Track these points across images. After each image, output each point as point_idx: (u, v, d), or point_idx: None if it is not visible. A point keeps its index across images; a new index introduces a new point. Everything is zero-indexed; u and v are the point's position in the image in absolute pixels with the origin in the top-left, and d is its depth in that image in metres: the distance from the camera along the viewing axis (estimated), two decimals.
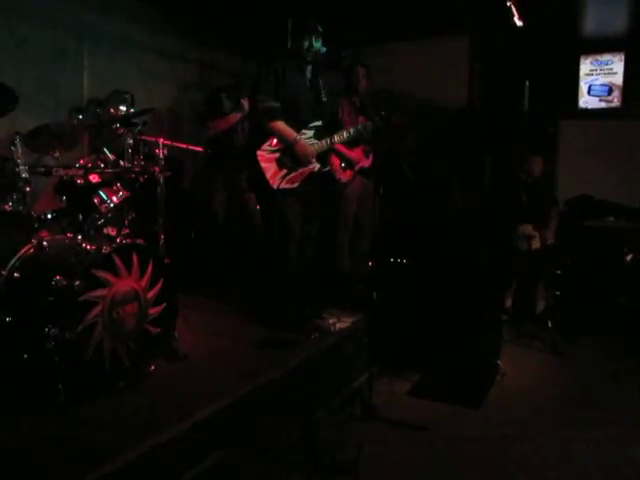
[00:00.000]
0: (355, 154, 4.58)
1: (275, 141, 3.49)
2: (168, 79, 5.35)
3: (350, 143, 4.47)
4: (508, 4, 4.65)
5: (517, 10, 4.71)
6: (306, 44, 3.51)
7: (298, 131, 3.53)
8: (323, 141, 3.61)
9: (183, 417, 2.32)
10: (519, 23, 4.85)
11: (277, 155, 3.49)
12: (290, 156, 3.50)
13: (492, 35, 5.80)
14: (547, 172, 5.59)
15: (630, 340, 4.66)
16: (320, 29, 3.56)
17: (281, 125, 3.47)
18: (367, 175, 4.57)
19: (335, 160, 4.45)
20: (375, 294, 3.40)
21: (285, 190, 3.49)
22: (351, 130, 3.70)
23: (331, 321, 3.66)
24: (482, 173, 6.08)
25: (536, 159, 5.32)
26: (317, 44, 3.53)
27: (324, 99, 3.67)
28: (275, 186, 3.44)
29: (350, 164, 4.52)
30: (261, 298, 3.85)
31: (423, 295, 4.23)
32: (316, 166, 3.60)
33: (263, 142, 3.49)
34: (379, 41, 5.91)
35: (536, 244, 5.00)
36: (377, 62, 5.20)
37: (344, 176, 4.51)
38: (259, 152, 3.45)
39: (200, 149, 3.60)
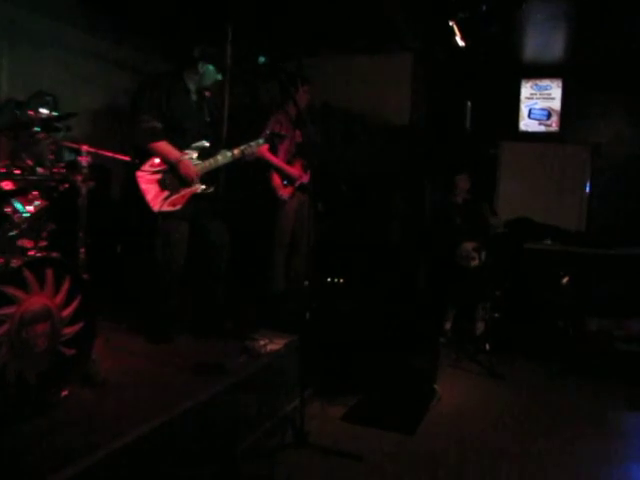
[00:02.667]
0: (296, 170, 4.61)
1: (157, 161, 3.45)
2: (99, 83, 5.17)
3: (290, 160, 4.61)
4: (450, 24, 4.73)
5: (459, 30, 4.81)
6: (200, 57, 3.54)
7: (181, 151, 3.52)
8: (207, 162, 3.58)
9: (91, 450, 2.17)
10: (461, 43, 4.97)
11: (159, 176, 3.45)
12: (173, 177, 3.47)
13: (434, 54, 5.95)
14: (486, 193, 5.74)
15: (567, 362, 4.81)
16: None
17: (164, 145, 3.45)
18: (304, 191, 4.60)
19: (276, 177, 4.54)
20: (308, 314, 3.36)
21: (167, 213, 3.44)
22: (235, 151, 3.66)
23: (262, 342, 3.60)
24: (422, 193, 6.19)
25: (461, 177, 5.46)
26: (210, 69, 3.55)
27: (207, 119, 3.69)
28: (156, 208, 3.39)
29: (291, 181, 4.56)
30: (189, 318, 3.79)
31: (360, 316, 4.23)
32: (199, 187, 3.56)
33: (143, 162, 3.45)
34: (321, 55, 5.96)
35: (475, 262, 5.10)
36: (319, 76, 5.23)
37: (285, 192, 4.57)
38: (139, 173, 3.40)
39: (127, 158, 3.47)
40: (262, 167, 4.48)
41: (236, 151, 3.66)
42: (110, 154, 3.36)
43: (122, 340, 3.47)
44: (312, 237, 4.44)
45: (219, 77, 3.68)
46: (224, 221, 3.76)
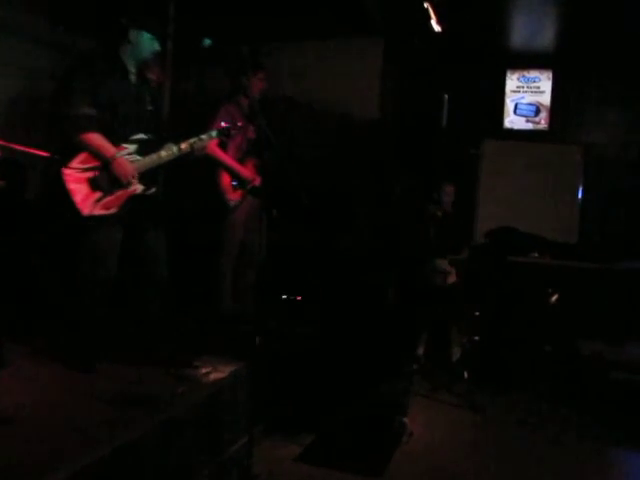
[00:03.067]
0: (247, 171, 4.66)
1: (86, 157, 3.34)
2: (16, 64, 5.06)
3: (241, 159, 4.66)
4: (425, 5, 4.79)
5: (435, 13, 4.86)
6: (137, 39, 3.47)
7: (117, 145, 3.42)
8: (147, 158, 3.50)
9: None
10: (437, 28, 5.04)
11: (90, 174, 3.34)
12: (107, 175, 3.36)
13: (408, 40, 6.00)
14: (465, 199, 5.83)
15: (556, 392, 4.87)
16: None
17: (96, 138, 3.33)
18: (256, 195, 4.64)
19: (225, 178, 4.57)
20: (259, 338, 3.37)
21: (98, 217, 3.35)
22: (182, 146, 3.57)
23: (205, 371, 3.58)
24: (392, 199, 6.27)
25: (447, 188, 5.59)
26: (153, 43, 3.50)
27: (149, 107, 3.60)
28: (86, 212, 3.28)
29: (242, 182, 4.60)
30: (116, 342, 3.72)
31: (319, 339, 4.26)
32: (138, 188, 3.48)
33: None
34: (281, 40, 6.00)
35: (452, 279, 5.22)
36: (279, 64, 5.41)
37: (234, 196, 4.61)
38: (66, 170, 3.28)
39: (45, 154, 3.41)
40: (208, 166, 4.51)
41: (184, 145, 3.57)
42: (24, 149, 3.30)
43: (35, 368, 3.39)
44: (265, 248, 4.56)
45: (157, 46, 3.53)
46: (164, 228, 3.72)
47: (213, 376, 3.56)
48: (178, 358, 3.69)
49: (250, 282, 4.73)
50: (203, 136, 3.66)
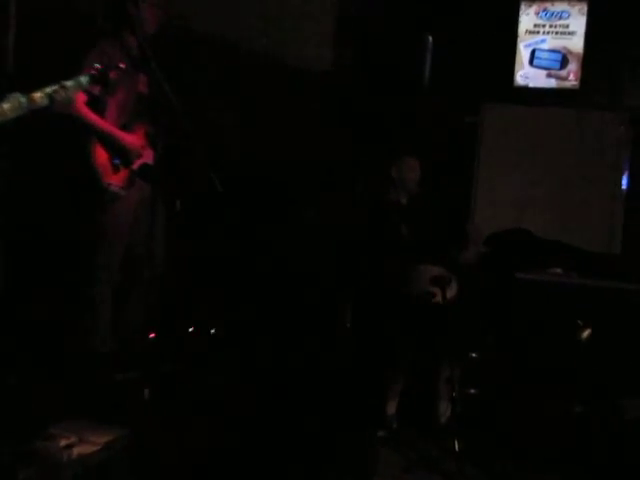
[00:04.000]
0: (135, 140, 4.65)
1: None
2: None
3: (127, 124, 4.63)
4: None
5: None
6: None
7: None
8: None
9: None
10: None
11: None
12: None
13: None
14: (458, 186, 5.84)
15: (590, 473, 4.77)
16: None
17: None
18: (148, 178, 4.64)
19: (100, 153, 4.53)
20: (150, 390, 3.44)
21: None
22: (36, 95, 3.40)
23: (65, 442, 3.53)
24: (350, 189, 6.31)
25: (407, 161, 5.53)
26: None
27: None
28: None
29: (126, 159, 4.58)
30: None
31: (238, 393, 4.29)
32: None
33: None
34: None
35: (436, 299, 5.09)
36: None
37: (115, 180, 4.57)
38: None
39: None
40: (74, 134, 4.47)
41: (38, 95, 3.42)
42: None
43: None
44: (161, 259, 4.62)
45: None
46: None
47: (78, 451, 3.52)
48: (28, 425, 3.65)
49: (138, 309, 4.73)
50: (68, 83, 3.52)
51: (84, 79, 3.61)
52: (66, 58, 4.34)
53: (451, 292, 5.09)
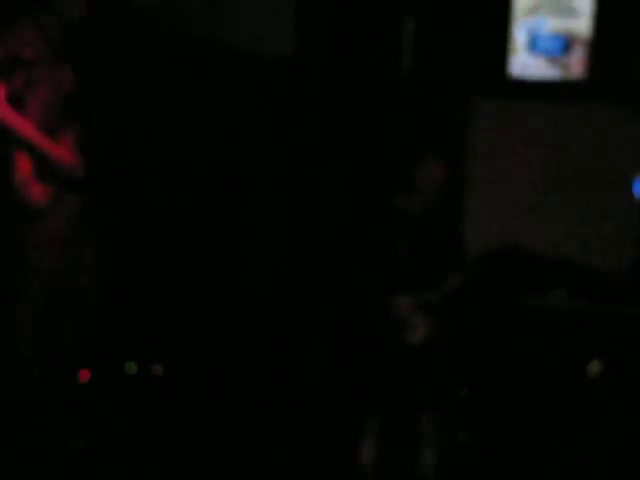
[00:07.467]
0: (62, 148, 4.23)
1: None
2: None
3: (52, 127, 4.20)
4: None
5: None
6: None
7: None
8: None
9: None
10: None
11: None
12: None
13: None
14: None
15: None
16: None
17: None
18: (78, 191, 4.32)
19: (23, 163, 4.14)
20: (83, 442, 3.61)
21: None
22: None
23: None
24: (314, 196, 6.12)
25: (429, 164, 5.04)
26: None
27: None
28: None
29: (52, 170, 4.18)
30: None
31: (188, 443, 4.36)
32: None
33: None
34: None
35: (419, 333, 4.86)
36: None
37: (39, 192, 4.16)
38: None
39: None
40: None
41: None
42: None
43: None
44: (94, 287, 4.34)
45: None
46: None
47: None
48: None
49: (66, 345, 4.36)
50: None
51: None
52: None
53: (420, 332, 4.84)
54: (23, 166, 4.03)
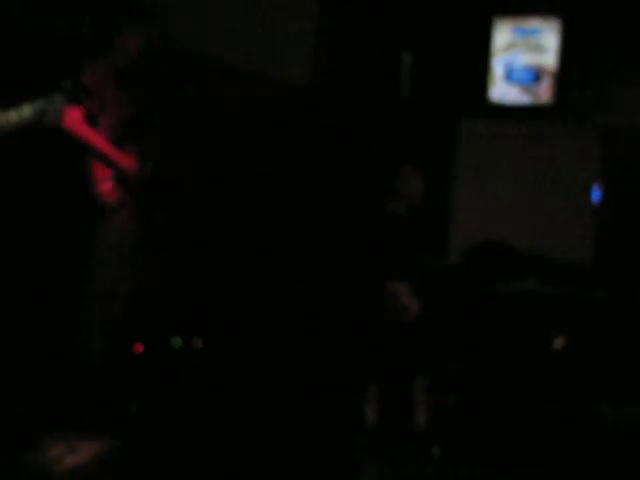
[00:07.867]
0: (127, 160, 4.68)
1: None
2: None
3: (118, 143, 4.63)
4: None
5: None
6: None
7: None
8: None
9: None
10: None
11: None
12: None
13: None
14: (436, 202, 5.90)
15: (561, 474, 4.75)
16: None
17: None
18: (138, 198, 4.73)
19: (98, 168, 4.57)
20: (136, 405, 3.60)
21: None
22: (25, 111, 3.39)
23: (56, 453, 3.57)
24: (316, 198, 6.31)
25: (409, 172, 5.45)
26: None
27: None
28: None
29: (122, 177, 4.65)
30: None
31: (220, 402, 4.43)
32: None
33: None
34: None
35: (412, 312, 5.14)
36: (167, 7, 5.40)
37: (109, 192, 4.62)
38: None
39: None
40: (70, 149, 4.50)
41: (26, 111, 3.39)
42: None
43: None
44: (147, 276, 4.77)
45: None
46: None
47: (70, 460, 3.53)
48: (15, 436, 3.66)
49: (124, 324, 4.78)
50: (54, 97, 3.49)
51: (59, 97, 3.54)
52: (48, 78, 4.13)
53: (411, 312, 5.15)
54: (98, 170, 4.52)
